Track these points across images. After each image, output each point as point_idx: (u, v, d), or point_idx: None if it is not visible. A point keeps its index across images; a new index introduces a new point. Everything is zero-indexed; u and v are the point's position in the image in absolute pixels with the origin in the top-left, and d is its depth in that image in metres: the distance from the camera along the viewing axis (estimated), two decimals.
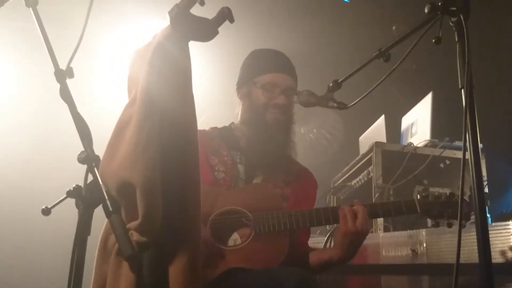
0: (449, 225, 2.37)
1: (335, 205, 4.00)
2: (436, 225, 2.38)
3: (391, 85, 5.30)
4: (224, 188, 2.44)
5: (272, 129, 2.52)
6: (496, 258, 2.50)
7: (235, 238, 2.31)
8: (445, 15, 1.63)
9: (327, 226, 3.29)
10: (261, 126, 2.53)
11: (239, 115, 2.64)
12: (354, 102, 2.10)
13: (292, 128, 2.61)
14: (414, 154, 3.38)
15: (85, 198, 1.45)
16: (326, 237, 3.04)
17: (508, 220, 2.59)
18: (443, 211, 2.36)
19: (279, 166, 2.57)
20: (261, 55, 2.69)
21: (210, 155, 2.53)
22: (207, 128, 2.67)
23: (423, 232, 2.80)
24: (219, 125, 2.70)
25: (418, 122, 3.89)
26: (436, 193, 2.40)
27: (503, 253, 2.51)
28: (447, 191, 3.27)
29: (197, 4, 1.59)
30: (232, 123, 2.67)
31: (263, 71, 2.59)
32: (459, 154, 3.39)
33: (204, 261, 2.13)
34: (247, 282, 2.11)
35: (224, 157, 2.54)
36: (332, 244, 2.95)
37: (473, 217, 2.19)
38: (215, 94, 4.96)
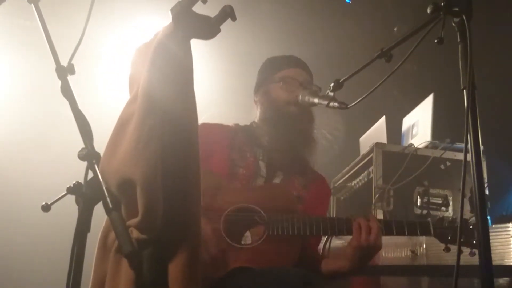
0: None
1: (335, 205, 4.00)
2: (447, 250, 2.32)
3: (393, 86, 5.30)
4: (242, 183, 2.44)
5: (297, 122, 2.52)
6: (496, 260, 2.50)
7: (247, 237, 2.30)
8: (448, 15, 1.62)
9: None
10: (283, 120, 2.52)
11: (258, 116, 2.64)
12: (355, 102, 2.10)
13: (313, 124, 2.61)
14: (415, 155, 3.38)
15: (85, 194, 1.45)
16: (325, 239, 3.03)
17: (508, 222, 2.60)
18: (456, 237, 2.30)
19: (298, 168, 2.56)
20: (276, 57, 2.74)
21: (231, 150, 2.53)
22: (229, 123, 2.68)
23: None
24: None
25: (419, 123, 3.89)
26: (451, 218, 2.35)
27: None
28: (447, 193, 3.30)
29: (199, 2, 1.59)
30: (254, 121, 2.67)
31: (280, 68, 2.63)
32: (459, 156, 3.39)
33: (214, 257, 2.12)
34: (253, 281, 2.10)
35: (246, 153, 2.54)
36: (331, 244, 2.95)
37: (473, 219, 2.18)
38: (216, 92, 4.96)
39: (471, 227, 2.31)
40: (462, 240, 2.28)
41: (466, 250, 2.25)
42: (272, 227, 2.26)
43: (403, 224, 2.36)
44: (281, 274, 2.02)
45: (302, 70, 2.63)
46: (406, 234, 2.37)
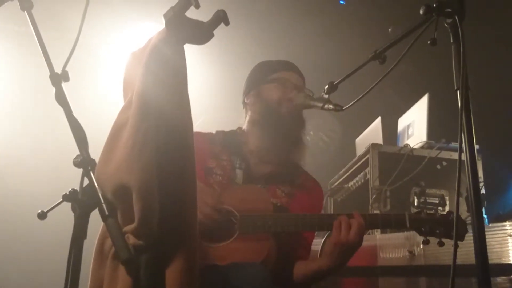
0: (441, 244, 2.28)
1: (332, 207, 4.01)
2: (426, 242, 2.30)
3: (388, 86, 5.31)
4: (218, 189, 2.42)
5: (287, 121, 2.50)
6: (493, 259, 2.50)
7: (222, 236, 2.29)
8: (440, 16, 1.63)
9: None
10: (275, 119, 2.50)
11: (248, 120, 2.61)
12: (350, 104, 2.10)
13: (303, 127, 2.58)
14: (411, 155, 3.39)
15: (81, 201, 1.45)
16: (323, 239, 3.04)
17: (505, 221, 2.60)
18: (435, 229, 2.28)
19: (282, 176, 2.53)
20: (269, 61, 2.71)
21: (209, 158, 2.51)
22: (213, 131, 2.65)
23: None
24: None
25: (414, 124, 3.90)
26: (433, 210, 2.33)
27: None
28: (444, 193, 3.30)
29: (192, 7, 1.60)
30: (239, 128, 2.65)
31: (276, 70, 2.61)
32: (455, 156, 3.39)
33: None
34: (217, 278, 2.10)
35: (223, 161, 2.52)
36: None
37: (469, 218, 2.18)
38: (212, 97, 4.96)
39: (450, 218, 2.30)
40: (440, 231, 2.27)
41: (448, 242, 2.25)
42: (243, 226, 2.27)
43: (377, 218, 2.36)
44: (245, 269, 2.04)
45: (296, 74, 2.62)
46: (380, 227, 2.36)
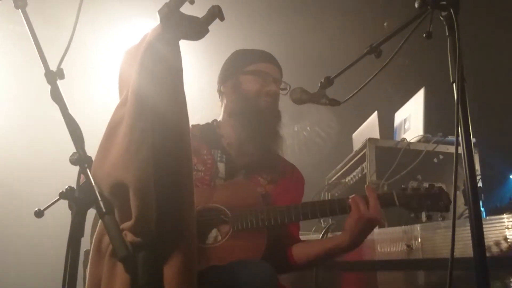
0: (429, 218, 2.33)
1: None
2: (416, 217, 2.35)
3: (384, 81, 5.31)
4: (202, 186, 2.41)
5: (265, 115, 2.50)
6: (492, 251, 2.51)
7: (215, 236, 2.29)
8: (436, 9, 1.63)
9: (323, 223, 3.29)
10: (254, 113, 2.49)
11: (224, 110, 2.61)
12: (347, 98, 2.10)
13: (279, 120, 2.58)
14: (408, 149, 3.39)
15: (78, 199, 1.45)
16: (321, 235, 3.04)
17: (502, 213, 2.60)
18: (422, 203, 2.31)
19: (262, 164, 2.53)
20: (248, 50, 2.70)
21: None
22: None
23: (418, 227, 2.79)
24: None
25: (411, 118, 3.90)
26: (416, 185, 2.35)
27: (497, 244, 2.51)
28: (441, 185, 3.30)
29: (187, 3, 1.59)
30: (215, 120, 2.65)
31: (255, 61, 2.60)
32: (452, 149, 3.39)
33: None
34: (222, 277, 2.08)
35: (204, 156, 2.51)
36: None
37: (467, 211, 2.19)
38: (210, 95, 4.95)
39: (433, 191, 2.33)
40: (428, 205, 2.30)
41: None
42: (236, 223, 2.26)
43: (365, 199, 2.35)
44: (249, 267, 2.02)
45: (275, 66, 2.61)
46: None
